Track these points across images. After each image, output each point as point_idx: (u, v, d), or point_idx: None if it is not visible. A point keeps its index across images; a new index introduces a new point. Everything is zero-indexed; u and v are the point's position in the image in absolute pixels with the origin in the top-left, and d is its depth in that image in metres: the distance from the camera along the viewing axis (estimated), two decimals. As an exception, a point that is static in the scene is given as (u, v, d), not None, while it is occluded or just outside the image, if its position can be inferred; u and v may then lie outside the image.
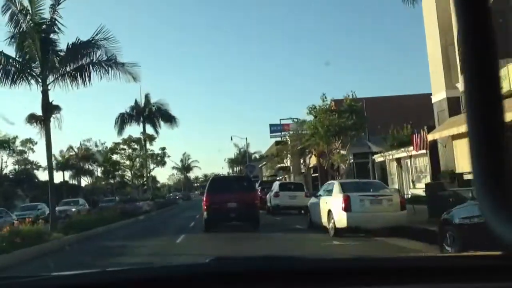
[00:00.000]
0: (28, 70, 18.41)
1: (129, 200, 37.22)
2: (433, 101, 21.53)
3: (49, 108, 18.16)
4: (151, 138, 46.80)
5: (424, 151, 21.19)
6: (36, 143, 53.27)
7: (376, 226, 13.20)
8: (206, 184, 19.68)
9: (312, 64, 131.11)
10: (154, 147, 47.73)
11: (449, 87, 20.07)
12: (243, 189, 17.19)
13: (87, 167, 65.07)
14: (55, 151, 62.24)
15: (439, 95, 20.93)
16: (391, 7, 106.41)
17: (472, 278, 1.55)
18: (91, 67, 18.86)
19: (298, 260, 1.97)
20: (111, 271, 1.82)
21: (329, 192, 14.88)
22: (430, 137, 19.40)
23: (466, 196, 12.10)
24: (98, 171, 63.64)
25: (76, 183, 65.93)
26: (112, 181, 58.51)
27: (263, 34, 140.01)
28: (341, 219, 13.25)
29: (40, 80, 18.26)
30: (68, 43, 18.78)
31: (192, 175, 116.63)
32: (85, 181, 67.94)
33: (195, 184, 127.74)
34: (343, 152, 29.04)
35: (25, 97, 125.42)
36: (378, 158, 29.22)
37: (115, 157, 45.74)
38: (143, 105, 49.62)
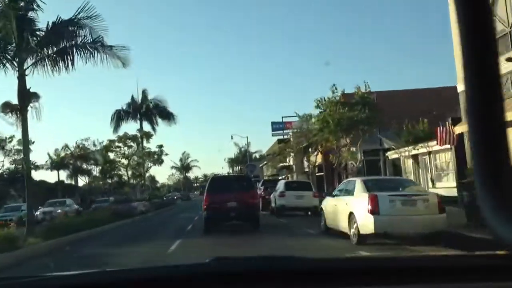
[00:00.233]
0: (3, 53, 16.20)
1: (124, 201, 35.48)
2: (458, 90, 19.31)
3: (26, 95, 15.87)
4: (148, 136, 45.08)
5: (448, 146, 18.91)
6: (33, 142, 51.09)
7: (410, 232, 11.01)
8: (206, 184, 19.31)
9: (312, 64, 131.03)
10: (152, 145, 46.49)
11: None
12: (243, 189, 17.02)
13: (84, 166, 63.08)
14: (50, 150, 60.62)
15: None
16: (391, 7, 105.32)
17: (472, 278, 1.54)
18: (74, 50, 16.59)
19: (298, 260, 1.86)
20: (111, 271, 1.85)
21: (349, 191, 12.62)
22: (458, 129, 17.13)
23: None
24: (96, 171, 62.09)
25: (73, 183, 64.02)
26: (109, 180, 57.03)
27: (263, 34, 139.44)
28: (366, 224, 10.92)
29: (16, 64, 16.06)
30: (48, 22, 16.53)
31: (191, 175, 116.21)
32: (82, 180, 66.10)
33: (195, 184, 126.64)
34: (353, 148, 26.87)
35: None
36: (392, 155, 26.91)
37: (110, 155, 44.13)
38: (140, 101, 47.86)
